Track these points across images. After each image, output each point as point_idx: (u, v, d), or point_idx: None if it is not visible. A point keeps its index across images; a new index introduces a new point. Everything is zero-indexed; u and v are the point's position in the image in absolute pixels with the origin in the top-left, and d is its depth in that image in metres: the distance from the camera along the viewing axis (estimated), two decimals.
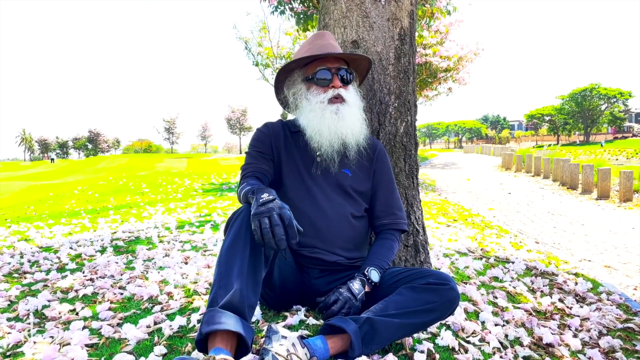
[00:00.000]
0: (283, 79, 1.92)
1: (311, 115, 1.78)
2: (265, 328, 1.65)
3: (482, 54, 12.54)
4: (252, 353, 1.52)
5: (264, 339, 1.42)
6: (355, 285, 1.64)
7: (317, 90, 1.79)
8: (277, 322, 1.73)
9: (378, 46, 2.16)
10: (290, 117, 2.01)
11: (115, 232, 3.98)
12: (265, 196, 1.43)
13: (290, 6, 7.38)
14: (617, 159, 23.89)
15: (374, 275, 1.68)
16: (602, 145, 40.81)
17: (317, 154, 1.79)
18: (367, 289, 1.66)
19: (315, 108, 1.77)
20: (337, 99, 1.77)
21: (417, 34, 9.43)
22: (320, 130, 1.75)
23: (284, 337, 1.40)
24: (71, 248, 3.32)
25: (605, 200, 10.08)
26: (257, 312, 1.81)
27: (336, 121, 1.74)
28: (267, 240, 1.34)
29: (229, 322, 1.29)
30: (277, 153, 1.83)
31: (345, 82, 1.81)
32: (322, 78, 1.79)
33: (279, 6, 7.42)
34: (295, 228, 1.38)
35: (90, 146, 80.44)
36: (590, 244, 5.69)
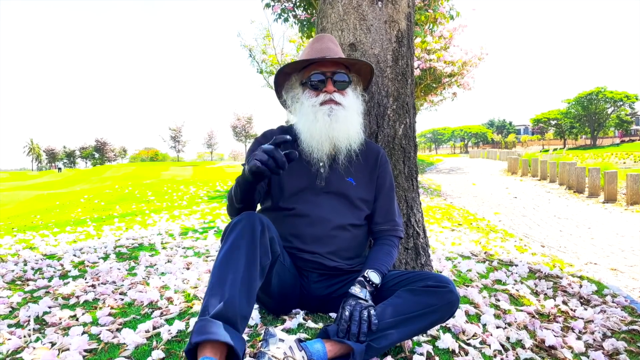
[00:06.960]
0: (282, 82, 1.91)
1: (304, 119, 1.76)
2: (263, 331, 1.64)
3: (486, 58, 12.51)
4: (250, 356, 1.52)
5: (261, 342, 1.41)
6: (356, 289, 1.59)
7: (310, 94, 1.78)
8: (276, 326, 1.73)
9: (375, 49, 2.16)
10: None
11: (119, 240, 3.99)
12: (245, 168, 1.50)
13: (294, 13, 7.44)
14: (624, 162, 23.68)
15: (374, 277, 1.64)
16: None
17: (321, 164, 1.77)
18: (368, 288, 1.61)
19: (308, 112, 1.75)
20: (330, 102, 1.74)
21: (420, 39, 9.43)
22: (311, 133, 1.73)
23: (282, 340, 1.39)
24: (75, 255, 3.34)
25: (612, 204, 9.98)
26: (256, 315, 1.80)
27: (328, 123, 1.71)
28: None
29: (220, 332, 1.25)
30: None
31: (341, 87, 1.78)
32: (316, 81, 1.77)
33: (283, 14, 7.47)
34: (281, 149, 1.44)
35: (97, 155, 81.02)
36: (597, 247, 5.63)
